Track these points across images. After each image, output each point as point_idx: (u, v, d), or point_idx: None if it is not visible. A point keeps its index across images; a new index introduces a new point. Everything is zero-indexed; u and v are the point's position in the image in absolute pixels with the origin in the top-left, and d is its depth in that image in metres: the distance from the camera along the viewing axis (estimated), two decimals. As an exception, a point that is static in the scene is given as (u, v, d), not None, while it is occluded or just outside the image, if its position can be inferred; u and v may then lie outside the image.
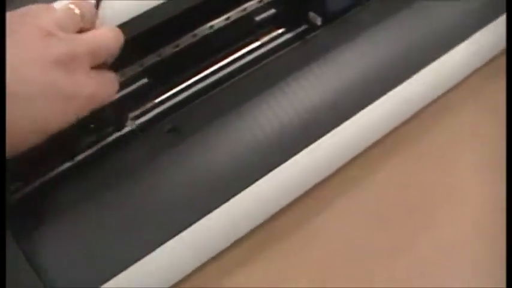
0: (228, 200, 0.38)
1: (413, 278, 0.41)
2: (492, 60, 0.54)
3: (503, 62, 0.54)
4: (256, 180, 0.39)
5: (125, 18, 0.34)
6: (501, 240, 0.43)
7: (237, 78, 0.41)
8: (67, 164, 0.37)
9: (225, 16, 0.41)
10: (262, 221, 0.42)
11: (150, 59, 0.39)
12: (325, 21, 0.44)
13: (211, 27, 0.41)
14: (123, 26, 0.33)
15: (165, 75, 0.42)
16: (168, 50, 0.40)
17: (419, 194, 0.46)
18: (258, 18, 0.44)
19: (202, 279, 0.40)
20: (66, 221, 0.34)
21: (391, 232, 0.44)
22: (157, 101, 0.41)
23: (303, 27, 0.45)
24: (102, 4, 0.32)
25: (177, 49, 0.40)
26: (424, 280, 0.41)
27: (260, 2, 0.42)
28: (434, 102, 0.51)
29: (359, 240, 0.43)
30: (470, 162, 0.48)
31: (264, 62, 0.43)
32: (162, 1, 0.36)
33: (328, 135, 0.42)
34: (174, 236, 0.36)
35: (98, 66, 0.31)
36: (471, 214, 0.45)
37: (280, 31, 0.45)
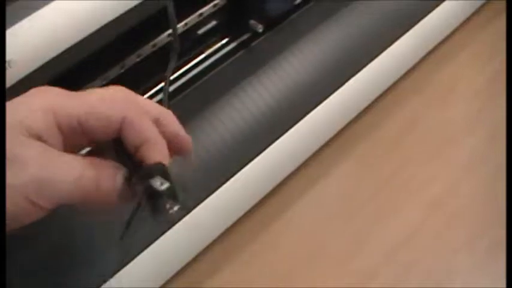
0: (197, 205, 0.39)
1: (379, 265, 0.43)
2: (433, 50, 0.55)
3: (444, 50, 0.56)
4: (218, 187, 0.40)
5: (71, 42, 0.33)
6: (462, 220, 0.44)
7: (184, 92, 0.42)
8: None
9: (167, 33, 0.42)
10: (231, 224, 0.43)
11: (96, 83, 0.39)
12: (267, 28, 0.45)
13: (154, 45, 0.41)
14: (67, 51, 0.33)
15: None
16: (113, 72, 0.40)
17: (376, 186, 0.47)
18: (200, 31, 0.44)
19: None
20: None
21: (354, 222, 0.45)
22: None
23: (245, 36, 0.46)
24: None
25: (122, 70, 0.40)
26: (390, 267, 0.43)
27: (200, 16, 0.42)
28: (383, 95, 0.52)
29: (324, 233, 0.45)
30: (423, 147, 0.50)
31: (211, 73, 0.43)
32: (107, 21, 0.36)
33: (281, 138, 0.43)
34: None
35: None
36: (430, 198, 0.46)
37: (224, 41, 0.45)
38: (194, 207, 0.38)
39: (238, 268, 0.42)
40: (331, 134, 0.48)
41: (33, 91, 0.25)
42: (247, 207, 0.44)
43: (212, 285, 0.42)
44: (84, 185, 0.23)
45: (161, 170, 0.24)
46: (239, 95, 0.41)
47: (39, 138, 0.23)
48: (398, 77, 0.53)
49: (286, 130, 0.43)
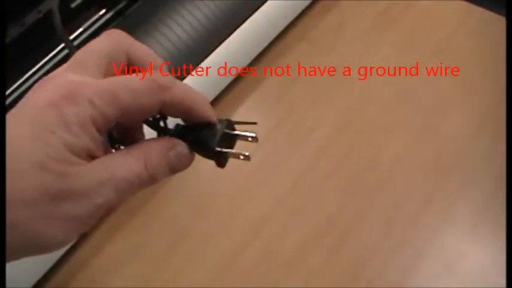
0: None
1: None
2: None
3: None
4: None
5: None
6: (348, 159, 0.46)
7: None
8: None
9: (36, 10, 0.42)
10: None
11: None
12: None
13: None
14: None
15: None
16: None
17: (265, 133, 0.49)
18: (73, 4, 0.45)
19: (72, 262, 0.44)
20: None
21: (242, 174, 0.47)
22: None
23: (122, 4, 0.46)
24: None
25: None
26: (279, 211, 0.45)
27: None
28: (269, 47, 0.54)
29: (213, 189, 0.47)
30: (308, 93, 0.52)
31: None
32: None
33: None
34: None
35: None
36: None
37: (101, 12, 0.46)
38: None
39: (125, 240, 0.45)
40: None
41: (52, 94, 0.22)
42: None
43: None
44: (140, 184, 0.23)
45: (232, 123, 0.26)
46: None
47: (88, 153, 0.22)
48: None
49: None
